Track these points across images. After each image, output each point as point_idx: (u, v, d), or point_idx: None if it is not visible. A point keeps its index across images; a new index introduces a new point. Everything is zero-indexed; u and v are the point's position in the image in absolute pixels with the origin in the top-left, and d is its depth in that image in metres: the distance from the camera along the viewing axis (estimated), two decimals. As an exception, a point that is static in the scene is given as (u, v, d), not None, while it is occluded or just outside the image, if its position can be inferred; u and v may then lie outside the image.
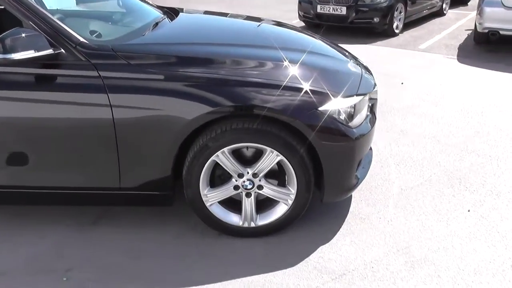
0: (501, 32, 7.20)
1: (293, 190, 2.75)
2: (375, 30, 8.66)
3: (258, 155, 2.73)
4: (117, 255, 2.75)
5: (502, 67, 6.58)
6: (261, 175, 2.73)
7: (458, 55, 7.30)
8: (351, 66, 3.18)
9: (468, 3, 12.39)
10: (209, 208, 2.80)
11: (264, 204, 2.88)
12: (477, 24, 7.58)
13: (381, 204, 3.24)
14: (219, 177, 2.84)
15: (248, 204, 2.79)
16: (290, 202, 2.78)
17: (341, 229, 2.97)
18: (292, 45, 3.29)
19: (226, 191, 2.78)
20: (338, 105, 2.68)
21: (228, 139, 2.62)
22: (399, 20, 8.85)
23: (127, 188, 2.76)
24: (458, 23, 9.93)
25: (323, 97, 2.65)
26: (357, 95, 2.82)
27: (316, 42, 3.52)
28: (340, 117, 2.68)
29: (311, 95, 2.63)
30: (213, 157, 2.66)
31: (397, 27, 8.82)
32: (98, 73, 2.54)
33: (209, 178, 2.77)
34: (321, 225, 3.00)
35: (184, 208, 2.96)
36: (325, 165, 2.70)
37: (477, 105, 5.10)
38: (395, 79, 5.97)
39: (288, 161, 2.67)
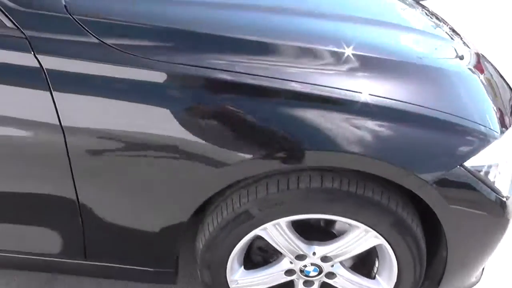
0: None
1: (387, 286, 1.59)
2: None
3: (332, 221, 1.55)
4: None
5: None
6: (337, 260, 1.55)
7: None
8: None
9: None
10: (241, 305, 1.64)
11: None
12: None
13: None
14: (259, 250, 1.66)
15: (307, 298, 1.63)
16: (378, 304, 1.63)
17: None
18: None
19: (272, 276, 1.60)
20: (496, 157, 1.44)
21: (290, 206, 1.41)
22: None
23: (97, 259, 1.60)
24: None
25: (475, 137, 1.40)
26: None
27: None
28: (489, 176, 1.45)
29: (458, 135, 1.38)
30: (257, 231, 1.47)
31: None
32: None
33: (244, 255, 1.59)
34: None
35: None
36: (452, 256, 1.51)
37: None
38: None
39: (392, 247, 1.49)
